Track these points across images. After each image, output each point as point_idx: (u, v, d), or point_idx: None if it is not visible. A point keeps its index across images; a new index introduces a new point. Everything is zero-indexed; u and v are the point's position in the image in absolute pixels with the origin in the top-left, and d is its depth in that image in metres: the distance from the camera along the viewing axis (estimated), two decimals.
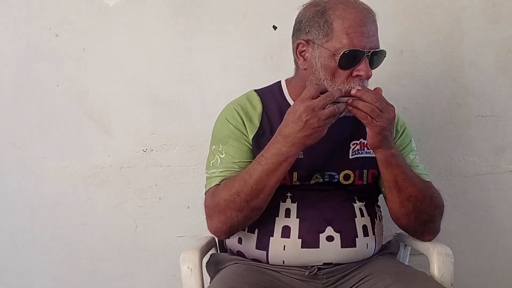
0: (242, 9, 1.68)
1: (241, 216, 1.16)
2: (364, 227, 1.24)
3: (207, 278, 1.33)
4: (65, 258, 1.76)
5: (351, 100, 1.11)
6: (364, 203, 1.27)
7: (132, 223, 1.74)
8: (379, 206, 1.34)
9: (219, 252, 1.44)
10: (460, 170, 1.76)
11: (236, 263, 1.26)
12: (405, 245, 1.47)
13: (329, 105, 1.08)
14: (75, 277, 1.76)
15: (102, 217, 1.74)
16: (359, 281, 1.22)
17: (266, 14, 1.68)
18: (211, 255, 1.38)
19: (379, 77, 1.70)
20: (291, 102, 1.27)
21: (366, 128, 1.13)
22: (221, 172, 1.22)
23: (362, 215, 1.25)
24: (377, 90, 1.16)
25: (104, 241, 1.75)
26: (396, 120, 1.28)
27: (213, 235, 1.44)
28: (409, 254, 1.50)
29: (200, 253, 1.28)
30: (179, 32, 1.69)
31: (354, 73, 1.16)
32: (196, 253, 1.27)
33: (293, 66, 1.67)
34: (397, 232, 1.59)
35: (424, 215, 1.22)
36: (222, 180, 1.21)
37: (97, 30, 1.68)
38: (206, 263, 1.36)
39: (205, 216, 1.23)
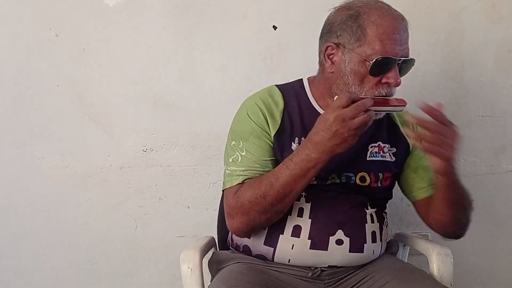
0: (242, 9, 1.68)
1: (263, 219, 1.16)
2: (373, 233, 1.24)
3: (207, 278, 1.33)
4: (65, 258, 1.76)
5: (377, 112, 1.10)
6: (375, 210, 1.27)
7: (132, 223, 1.74)
8: (386, 213, 1.34)
9: (218, 250, 1.44)
10: (460, 170, 1.73)
11: (238, 262, 1.25)
12: (404, 245, 1.47)
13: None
14: (75, 277, 1.76)
15: (102, 217, 1.74)
16: (360, 280, 1.22)
17: (266, 14, 1.68)
18: (213, 253, 1.38)
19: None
20: (313, 101, 1.26)
21: (431, 157, 1.09)
22: (242, 171, 1.20)
23: (372, 221, 1.25)
24: (439, 107, 1.08)
25: (104, 241, 1.75)
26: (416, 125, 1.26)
27: (212, 236, 1.46)
28: (409, 254, 1.50)
29: (200, 253, 1.28)
30: (179, 32, 1.69)
31: (383, 80, 1.15)
32: (197, 253, 1.27)
33: (293, 66, 1.68)
34: (397, 232, 1.60)
35: (466, 220, 1.25)
36: (245, 180, 1.19)
37: (97, 30, 1.68)
38: (208, 261, 1.36)
39: (225, 214, 1.22)
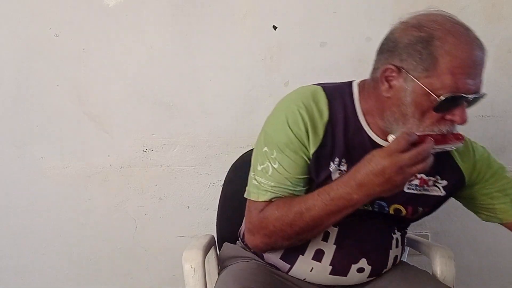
0: (242, 9, 1.68)
1: (286, 244, 1.10)
2: (395, 258, 1.21)
3: (209, 277, 1.33)
4: (65, 258, 1.76)
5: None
6: (401, 233, 1.22)
7: (132, 223, 1.75)
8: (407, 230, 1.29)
9: (219, 249, 1.43)
10: None
11: (248, 259, 1.22)
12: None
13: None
14: (75, 277, 1.76)
15: (102, 217, 1.74)
16: (365, 282, 1.20)
17: (266, 14, 1.68)
18: (224, 244, 1.35)
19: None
20: (360, 115, 1.11)
21: None
22: (272, 187, 1.08)
23: (397, 246, 1.20)
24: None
25: (104, 241, 1.75)
26: (478, 154, 1.20)
27: (212, 235, 1.44)
28: (409, 255, 1.50)
29: (203, 252, 1.26)
30: (179, 32, 1.68)
31: (448, 117, 1.01)
32: (199, 252, 1.25)
33: (293, 66, 1.68)
34: None
35: None
36: (273, 198, 1.08)
37: (97, 30, 1.68)
38: (219, 254, 1.33)
39: (246, 228, 1.15)
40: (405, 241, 1.28)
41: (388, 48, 1.04)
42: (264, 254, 1.21)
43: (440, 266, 1.27)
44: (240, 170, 1.45)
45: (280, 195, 1.08)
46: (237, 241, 1.34)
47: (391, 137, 0.99)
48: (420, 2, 1.70)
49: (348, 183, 0.98)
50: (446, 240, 1.67)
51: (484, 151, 1.23)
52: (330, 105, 1.09)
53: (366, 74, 1.65)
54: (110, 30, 1.68)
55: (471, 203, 1.23)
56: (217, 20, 1.68)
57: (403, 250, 1.25)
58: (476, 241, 1.79)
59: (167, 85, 1.70)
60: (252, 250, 1.23)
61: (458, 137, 1.04)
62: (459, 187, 1.19)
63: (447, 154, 1.16)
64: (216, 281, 1.20)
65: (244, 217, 1.30)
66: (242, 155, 1.50)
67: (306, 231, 1.05)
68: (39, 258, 1.75)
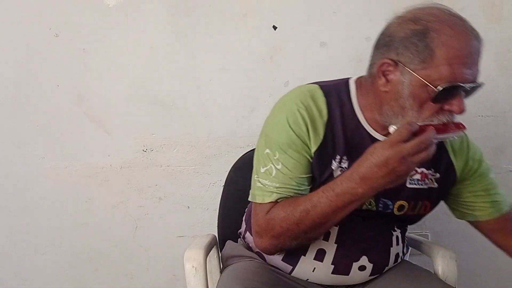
0: (242, 9, 1.68)
1: (294, 244, 1.09)
2: (397, 255, 1.21)
3: (211, 277, 1.33)
4: (65, 258, 1.76)
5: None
6: (401, 231, 1.22)
7: (132, 223, 1.75)
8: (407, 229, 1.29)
9: (220, 249, 1.43)
10: None
11: (251, 259, 1.21)
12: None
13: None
14: (75, 277, 1.76)
15: (102, 217, 1.74)
16: (369, 280, 1.20)
17: (266, 14, 1.68)
18: (227, 242, 1.34)
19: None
20: (358, 111, 1.11)
21: None
22: (276, 188, 1.07)
23: (398, 243, 1.20)
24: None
25: (104, 241, 1.75)
26: (471, 151, 1.21)
27: (214, 234, 1.45)
28: (410, 254, 1.50)
29: (204, 252, 1.26)
30: (179, 32, 1.69)
31: (446, 107, 1.01)
32: (201, 252, 1.24)
33: (293, 66, 1.68)
34: None
35: None
36: (278, 198, 1.08)
37: (97, 30, 1.68)
38: (222, 252, 1.33)
39: (253, 231, 1.14)
40: (406, 239, 1.27)
41: (384, 43, 1.04)
42: (266, 257, 1.20)
43: (442, 267, 1.27)
44: (241, 170, 1.46)
45: (285, 196, 1.07)
46: (239, 239, 1.33)
47: (392, 128, 1.00)
48: (419, 2, 1.70)
49: (351, 178, 0.98)
50: (446, 240, 1.67)
51: (478, 150, 1.24)
52: (328, 103, 1.10)
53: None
54: (110, 30, 1.68)
55: (452, 200, 1.24)
56: (217, 20, 1.68)
57: (404, 248, 1.25)
58: (476, 241, 1.77)
59: (167, 85, 1.70)
60: (255, 251, 1.23)
61: (459, 126, 1.04)
62: (451, 182, 1.19)
63: (442, 149, 1.17)
64: (219, 279, 1.19)
65: (244, 217, 1.30)
66: (243, 155, 1.50)
67: (313, 229, 1.04)
68: (39, 258, 1.75)
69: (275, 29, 1.69)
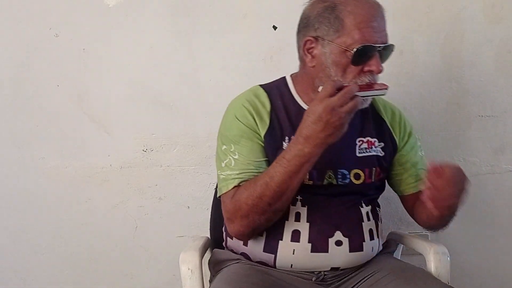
0: (242, 9, 1.68)
1: (263, 219, 1.15)
2: (370, 231, 1.24)
3: (206, 279, 1.33)
4: (65, 258, 1.76)
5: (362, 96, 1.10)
6: (370, 207, 1.27)
7: (132, 223, 1.75)
8: (379, 206, 1.35)
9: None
10: None
11: (239, 261, 1.24)
12: (398, 243, 1.48)
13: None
14: (75, 277, 1.77)
15: (102, 217, 1.74)
16: (362, 279, 1.22)
17: (266, 14, 1.68)
18: (213, 251, 1.36)
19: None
20: (297, 98, 1.25)
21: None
22: (237, 174, 1.17)
23: (369, 219, 1.25)
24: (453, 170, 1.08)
25: (104, 241, 1.75)
26: (403, 121, 1.35)
27: (208, 237, 1.46)
28: (405, 254, 1.51)
29: (199, 254, 1.27)
30: (179, 32, 1.69)
31: (366, 68, 1.15)
32: (196, 254, 1.26)
33: (293, 65, 1.67)
34: (392, 231, 1.60)
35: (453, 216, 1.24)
36: (240, 183, 1.17)
37: (97, 30, 1.68)
38: (208, 261, 1.35)
39: (225, 220, 1.21)
40: (380, 216, 1.32)
41: (303, 25, 1.20)
42: (250, 255, 1.23)
43: (435, 263, 1.28)
44: None
45: (246, 179, 1.17)
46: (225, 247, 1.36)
47: (320, 88, 1.11)
48: (419, 2, 1.70)
49: (297, 141, 1.09)
50: (446, 240, 1.66)
51: (409, 124, 1.36)
52: (270, 96, 1.25)
53: None
54: (110, 30, 1.68)
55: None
56: (217, 20, 1.68)
57: (377, 224, 1.28)
58: (476, 241, 1.79)
59: (167, 85, 1.70)
60: (240, 252, 1.26)
61: (382, 85, 1.16)
62: (394, 150, 1.31)
63: (382, 120, 1.31)
64: (210, 286, 1.21)
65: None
66: None
67: (276, 199, 1.11)
68: (39, 258, 1.75)
69: (275, 29, 1.69)
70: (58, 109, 1.70)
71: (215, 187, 1.50)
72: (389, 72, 1.71)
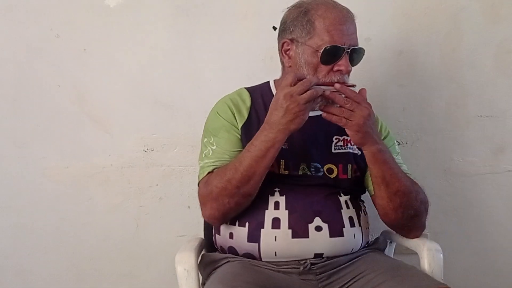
0: (242, 9, 1.68)
1: (233, 203, 1.21)
2: (350, 218, 1.28)
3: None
4: (65, 258, 1.76)
5: (328, 91, 1.18)
6: (349, 197, 1.31)
7: (133, 222, 1.75)
8: (363, 201, 1.38)
9: (207, 252, 1.43)
10: (459, 170, 1.76)
11: (228, 261, 1.27)
12: (390, 242, 1.49)
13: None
14: (75, 277, 1.76)
15: (103, 216, 1.74)
16: (354, 277, 1.23)
17: (266, 14, 1.68)
18: (202, 255, 1.38)
19: (378, 77, 1.72)
20: None
21: (346, 129, 1.20)
22: (213, 162, 1.27)
23: (348, 207, 1.29)
24: (361, 92, 1.22)
25: (105, 241, 1.75)
26: (381, 124, 1.39)
27: (202, 237, 1.46)
28: (398, 253, 1.51)
29: (195, 254, 1.28)
30: (179, 32, 1.69)
31: (335, 68, 1.23)
32: (192, 254, 1.27)
33: None
34: (384, 229, 1.60)
35: (410, 210, 1.26)
36: (214, 169, 1.26)
37: (97, 31, 1.68)
38: (199, 264, 1.36)
39: (200, 205, 1.28)
40: (363, 208, 1.36)
41: (281, 29, 1.32)
42: (236, 247, 1.27)
43: (428, 259, 1.28)
44: None
45: (220, 166, 1.25)
46: (217, 250, 1.38)
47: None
48: (418, 2, 1.71)
49: (263, 128, 1.19)
50: (445, 240, 1.67)
51: (387, 128, 1.41)
52: (252, 96, 1.35)
53: (365, 74, 1.66)
54: (111, 31, 1.68)
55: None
56: (217, 20, 1.69)
57: (359, 213, 1.31)
58: (475, 241, 1.79)
59: (168, 85, 1.70)
60: (227, 247, 1.29)
61: (351, 85, 1.23)
62: None
63: None
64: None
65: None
66: None
67: (244, 183, 1.19)
68: (39, 258, 1.75)
69: (275, 29, 1.68)
70: (59, 109, 1.70)
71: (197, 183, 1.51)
72: (388, 72, 1.73)
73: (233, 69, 1.70)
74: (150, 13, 1.68)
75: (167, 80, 1.70)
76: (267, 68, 1.69)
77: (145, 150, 1.72)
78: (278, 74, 1.71)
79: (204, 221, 1.48)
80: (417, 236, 1.34)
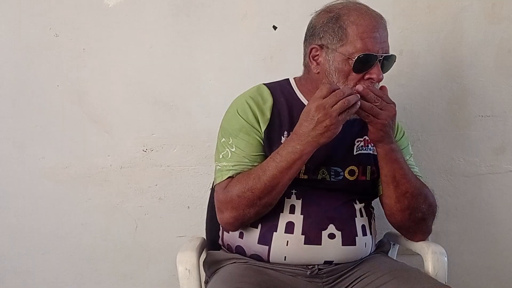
0: (242, 9, 1.68)
1: (252, 212, 1.19)
2: (363, 227, 1.27)
3: (203, 278, 1.33)
4: (65, 258, 1.76)
5: (357, 97, 1.14)
6: (363, 205, 1.30)
7: (132, 223, 1.75)
8: (373, 208, 1.37)
9: (209, 250, 1.43)
10: (460, 170, 1.76)
11: (234, 262, 1.26)
12: (394, 244, 1.48)
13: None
14: (75, 277, 1.76)
15: (102, 217, 1.74)
16: (357, 278, 1.23)
17: (266, 14, 1.68)
18: (207, 253, 1.37)
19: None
20: (301, 97, 1.30)
21: (368, 125, 1.18)
22: (232, 166, 1.22)
23: (361, 216, 1.28)
24: (382, 89, 1.21)
25: (104, 241, 1.75)
26: (398, 126, 1.37)
27: (203, 237, 1.46)
28: (401, 254, 1.51)
29: (196, 253, 1.28)
30: (179, 32, 1.69)
31: (366, 76, 1.20)
32: (193, 254, 1.27)
33: (293, 65, 1.68)
34: (388, 231, 1.60)
35: (418, 213, 1.25)
36: (234, 174, 1.22)
37: (97, 30, 1.68)
38: (203, 262, 1.36)
39: (216, 209, 1.25)
40: (373, 215, 1.35)
41: (309, 34, 1.27)
42: (245, 248, 1.25)
43: (432, 262, 1.28)
44: None
45: (240, 171, 1.22)
46: (221, 248, 1.37)
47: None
48: (418, 2, 1.70)
49: (291, 138, 1.15)
50: (446, 240, 1.67)
51: (403, 129, 1.40)
52: (273, 94, 1.29)
53: None
54: (110, 30, 1.68)
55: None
56: (217, 20, 1.68)
57: (370, 221, 1.31)
58: (475, 241, 1.79)
59: (167, 85, 1.70)
60: (235, 246, 1.28)
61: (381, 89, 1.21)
62: None
63: None
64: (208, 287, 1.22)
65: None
66: None
67: (267, 193, 1.16)
68: (39, 258, 1.75)
69: (275, 29, 1.69)
70: (58, 109, 1.70)
71: (211, 187, 1.51)
72: (389, 72, 1.72)
73: (233, 69, 1.69)
74: (149, 13, 1.67)
75: (166, 80, 1.70)
76: (267, 68, 1.69)
77: (145, 150, 1.72)
78: (278, 74, 1.70)
79: (207, 221, 1.48)
80: (421, 240, 1.33)
